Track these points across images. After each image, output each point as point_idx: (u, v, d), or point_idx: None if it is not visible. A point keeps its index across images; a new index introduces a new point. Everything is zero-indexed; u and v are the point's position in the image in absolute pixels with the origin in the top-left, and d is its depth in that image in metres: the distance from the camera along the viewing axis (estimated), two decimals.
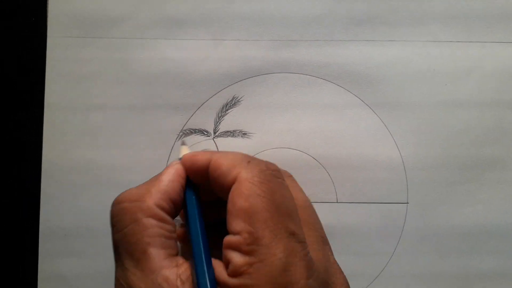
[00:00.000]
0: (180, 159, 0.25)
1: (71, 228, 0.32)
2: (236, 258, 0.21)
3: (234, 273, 0.20)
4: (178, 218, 0.25)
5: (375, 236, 0.32)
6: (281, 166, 0.32)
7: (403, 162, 0.32)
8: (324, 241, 0.24)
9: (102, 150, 0.32)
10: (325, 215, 0.32)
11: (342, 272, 0.24)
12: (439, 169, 0.32)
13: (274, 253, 0.20)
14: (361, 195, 0.32)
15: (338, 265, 0.24)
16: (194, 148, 0.32)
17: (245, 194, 0.21)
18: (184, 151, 0.26)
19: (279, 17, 0.33)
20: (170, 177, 0.24)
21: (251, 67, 0.32)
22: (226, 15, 0.33)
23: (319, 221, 0.26)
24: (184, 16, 0.33)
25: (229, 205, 0.22)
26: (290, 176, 0.28)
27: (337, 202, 0.32)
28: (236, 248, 0.21)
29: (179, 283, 0.21)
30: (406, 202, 0.32)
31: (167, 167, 0.25)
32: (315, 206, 0.31)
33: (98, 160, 0.32)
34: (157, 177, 0.24)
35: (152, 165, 0.32)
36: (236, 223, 0.21)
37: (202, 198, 0.25)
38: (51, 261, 0.31)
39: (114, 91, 0.32)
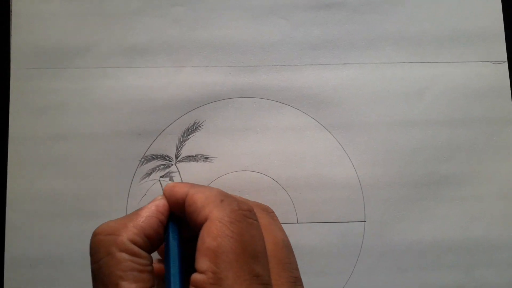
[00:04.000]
0: None
1: (37, 258, 0.32)
2: None
3: None
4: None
5: (335, 254, 0.32)
6: (242, 188, 0.33)
7: (359, 181, 0.33)
8: (296, 282, 0.25)
9: (66, 180, 0.33)
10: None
11: None
12: (395, 187, 0.33)
13: None
14: (320, 215, 0.33)
15: None
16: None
17: (214, 234, 0.22)
18: None
19: (238, 44, 0.34)
20: (149, 213, 0.24)
21: (211, 93, 0.33)
22: (186, 42, 0.34)
23: (295, 261, 0.26)
24: (145, 44, 0.33)
25: (199, 243, 0.22)
26: (272, 212, 0.29)
27: (297, 223, 0.33)
28: (200, 286, 0.21)
29: None
30: (363, 220, 0.33)
31: (151, 201, 0.25)
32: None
33: (62, 190, 0.32)
34: (136, 212, 0.25)
35: (115, 192, 0.33)
36: (202, 262, 0.22)
37: (187, 235, 0.25)
38: None
39: (77, 120, 0.33)
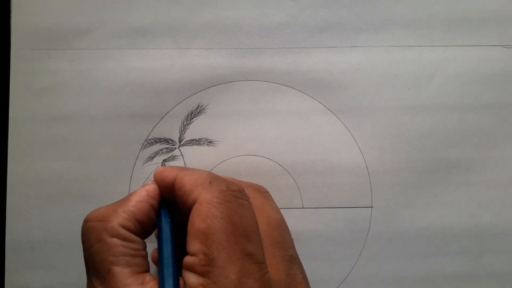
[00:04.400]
0: None
1: (38, 240, 0.32)
2: (191, 279, 0.21)
3: None
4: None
5: (341, 240, 0.32)
6: (247, 173, 0.32)
7: (367, 166, 0.32)
8: (291, 260, 0.24)
9: (67, 162, 0.32)
10: (291, 221, 0.32)
11: None
12: (403, 172, 0.32)
13: (227, 275, 0.21)
14: (326, 200, 0.32)
15: (306, 284, 0.24)
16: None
17: (203, 215, 0.22)
18: None
19: (243, 25, 0.33)
20: (139, 198, 0.24)
21: (215, 75, 0.33)
22: (190, 24, 0.33)
23: (291, 240, 0.26)
24: (148, 25, 0.33)
25: (189, 226, 0.22)
26: (266, 192, 0.29)
27: (302, 208, 0.32)
28: (192, 269, 0.21)
29: None
30: (370, 206, 0.32)
31: (141, 186, 0.25)
32: (282, 212, 0.32)
33: (63, 172, 0.32)
34: (127, 197, 0.25)
35: (117, 175, 0.32)
36: (193, 244, 0.22)
37: (180, 220, 0.25)
38: (18, 274, 0.31)
39: (78, 102, 0.32)
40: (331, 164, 0.32)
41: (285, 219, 0.32)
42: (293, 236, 0.32)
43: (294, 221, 0.32)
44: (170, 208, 0.25)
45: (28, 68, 0.32)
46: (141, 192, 0.25)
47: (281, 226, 0.26)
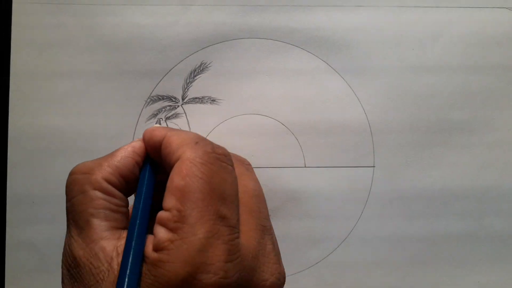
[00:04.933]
0: None
1: (39, 195, 0.31)
2: (161, 233, 0.21)
3: (156, 248, 0.21)
4: None
5: (342, 200, 0.32)
6: (250, 132, 0.32)
7: (369, 126, 0.32)
8: (263, 230, 0.24)
9: (69, 117, 0.32)
10: (293, 179, 0.32)
11: (278, 263, 0.24)
12: (405, 133, 0.32)
13: (195, 233, 0.21)
14: (329, 160, 0.32)
15: (276, 255, 0.24)
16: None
17: (183, 173, 0.22)
18: None
19: None
20: (125, 154, 0.24)
21: (219, 33, 0.32)
22: None
23: (266, 211, 0.26)
24: None
25: (168, 182, 0.22)
26: (248, 164, 0.29)
27: (305, 167, 0.32)
28: (163, 223, 0.21)
29: (114, 254, 0.21)
30: (372, 166, 0.32)
31: (128, 143, 0.25)
32: (284, 171, 0.32)
33: (65, 127, 0.32)
34: (112, 153, 0.25)
35: (120, 131, 0.32)
36: (169, 200, 0.22)
37: (162, 179, 0.25)
38: (19, 228, 0.31)
39: (81, 57, 0.32)
40: (334, 124, 0.32)
41: (288, 178, 0.32)
42: (295, 195, 0.32)
43: (296, 180, 0.32)
44: (154, 167, 0.25)
45: (30, 22, 0.32)
46: (127, 148, 0.25)
47: (258, 196, 0.26)
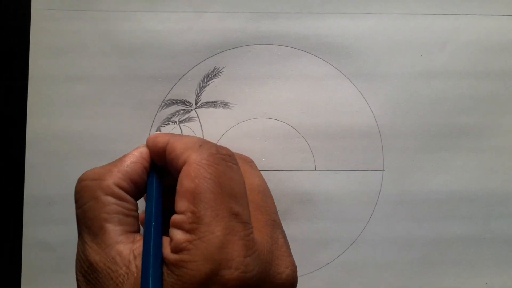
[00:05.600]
0: None
1: (55, 196, 0.32)
2: (178, 235, 0.22)
3: (175, 249, 0.21)
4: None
5: (352, 202, 0.33)
6: (261, 135, 0.33)
7: (379, 130, 0.33)
8: (274, 225, 0.25)
9: (85, 120, 0.33)
10: (304, 182, 0.33)
11: (290, 255, 0.25)
12: (414, 137, 0.33)
13: (212, 231, 0.21)
14: (339, 163, 0.33)
15: (287, 248, 0.25)
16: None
17: (192, 176, 0.22)
18: None
19: None
20: (133, 159, 0.25)
21: (232, 39, 0.33)
22: None
23: (274, 206, 0.27)
24: None
25: (178, 186, 0.23)
26: (251, 162, 0.30)
27: (315, 170, 0.33)
28: (179, 226, 0.22)
29: (131, 257, 0.22)
30: (382, 169, 0.33)
31: (134, 149, 0.26)
32: (294, 174, 0.33)
33: (81, 130, 0.33)
34: (121, 158, 0.25)
35: (134, 135, 0.33)
36: (181, 203, 0.22)
37: (169, 182, 0.26)
38: (36, 229, 0.32)
39: (97, 63, 0.33)
40: (344, 128, 0.33)
41: (298, 181, 0.33)
42: (305, 197, 0.32)
43: (306, 183, 0.33)
44: (160, 173, 0.26)
45: (48, 28, 0.33)
46: (135, 154, 0.25)
47: (264, 192, 0.26)
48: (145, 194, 0.26)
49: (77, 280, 0.23)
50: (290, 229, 0.32)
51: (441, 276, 0.33)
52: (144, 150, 0.26)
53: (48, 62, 0.33)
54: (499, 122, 0.33)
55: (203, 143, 0.24)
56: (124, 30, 0.33)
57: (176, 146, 0.24)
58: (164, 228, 0.24)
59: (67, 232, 0.32)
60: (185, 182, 0.22)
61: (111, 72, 0.33)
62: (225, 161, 0.24)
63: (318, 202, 0.32)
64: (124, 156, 0.25)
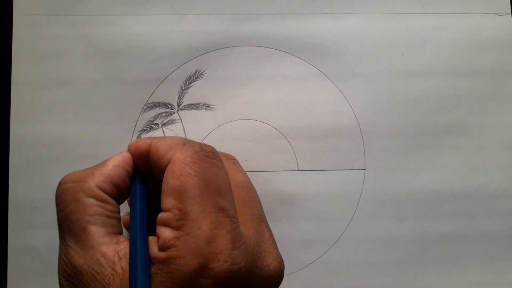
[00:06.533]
0: None
1: (40, 200, 0.32)
2: (166, 232, 0.22)
3: (163, 247, 0.22)
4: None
5: (334, 202, 0.33)
6: (244, 137, 0.33)
7: (360, 130, 0.33)
8: (259, 219, 0.26)
9: (68, 125, 0.33)
10: (287, 183, 0.33)
11: (276, 248, 0.25)
12: (396, 136, 0.33)
13: (200, 226, 0.22)
14: (321, 163, 0.33)
15: (273, 241, 0.25)
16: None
17: (177, 174, 0.22)
18: None
19: None
20: (115, 163, 0.25)
21: (213, 41, 0.33)
22: None
23: (258, 200, 0.27)
24: None
25: (163, 185, 0.23)
26: (234, 159, 0.30)
27: (298, 170, 0.33)
28: (166, 224, 0.22)
29: (116, 258, 0.22)
30: (363, 168, 0.33)
31: (116, 154, 0.26)
32: (277, 174, 0.33)
33: (64, 135, 0.33)
34: (103, 162, 0.25)
35: (117, 138, 0.33)
36: (167, 201, 0.22)
37: (152, 188, 0.26)
38: (21, 233, 0.32)
39: (79, 67, 0.33)
40: (325, 128, 0.33)
41: (281, 181, 0.33)
42: (288, 197, 0.33)
43: (290, 183, 0.33)
44: (143, 177, 0.26)
45: (30, 33, 0.33)
46: (117, 158, 0.25)
47: (248, 187, 0.27)
48: (129, 198, 0.26)
49: (60, 286, 0.23)
50: (274, 229, 0.32)
51: (424, 274, 0.33)
52: (126, 155, 0.26)
53: (31, 66, 0.33)
54: (481, 120, 0.33)
55: (186, 142, 0.24)
56: (106, 34, 0.33)
57: (159, 147, 0.24)
58: (148, 231, 0.24)
59: (52, 236, 0.32)
60: (170, 180, 0.22)
61: (93, 76, 0.33)
62: (209, 158, 0.24)
63: (301, 202, 0.33)
64: (106, 160, 0.25)
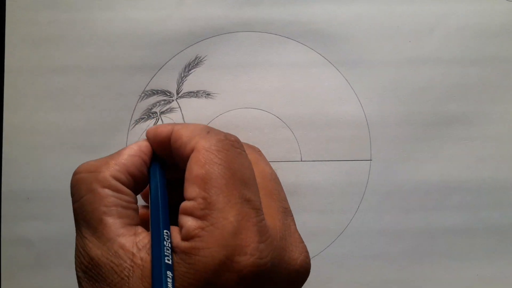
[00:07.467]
0: None
1: (34, 191, 0.31)
2: (189, 222, 0.21)
3: (186, 237, 0.21)
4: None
5: (339, 193, 0.32)
6: (246, 126, 0.32)
7: (366, 119, 0.32)
8: (285, 212, 0.25)
9: (64, 113, 0.32)
10: (290, 173, 0.32)
11: (302, 242, 0.24)
12: (402, 126, 0.32)
13: (226, 217, 0.21)
14: (325, 153, 0.32)
15: (299, 235, 0.25)
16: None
17: (201, 162, 0.22)
18: None
19: None
20: (131, 152, 0.24)
21: (214, 26, 0.32)
22: None
23: (284, 194, 0.26)
24: None
25: (187, 173, 0.22)
26: (259, 151, 0.29)
27: (301, 161, 0.32)
28: (190, 213, 0.21)
29: (135, 250, 0.21)
30: (369, 159, 0.32)
31: (133, 143, 0.25)
32: (280, 165, 0.32)
33: (60, 123, 0.32)
34: (118, 152, 0.24)
35: (114, 126, 0.32)
36: (191, 189, 0.22)
37: (170, 177, 0.25)
38: (14, 224, 0.31)
39: (75, 53, 0.32)
40: (330, 117, 0.32)
41: (284, 172, 0.32)
42: (292, 189, 0.32)
43: (293, 174, 0.32)
44: (162, 164, 0.25)
45: (24, 18, 0.32)
46: (133, 147, 0.24)
47: (275, 180, 0.26)
48: (146, 192, 0.26)
49: (78, 277, 0.22)
50: None
51: (430, 267, 0.32)
52: (143, 144, 0.25)
53: (24, 53, 0.32)
54: (489, 110, 0.32)
55: (210, 130, 0.24)
56: (102, 19, 0.32)
57: (182, 134, 0.23)
58: (168, 218, 0.23)
59: (46, 227, 0.31)
60: (195, 168, 0.22)
61: (90, 62, 0.32)
62: (234, 147, 0.23)
63: (305, 194, 0.32)
64: (122, 149, 0.24)
